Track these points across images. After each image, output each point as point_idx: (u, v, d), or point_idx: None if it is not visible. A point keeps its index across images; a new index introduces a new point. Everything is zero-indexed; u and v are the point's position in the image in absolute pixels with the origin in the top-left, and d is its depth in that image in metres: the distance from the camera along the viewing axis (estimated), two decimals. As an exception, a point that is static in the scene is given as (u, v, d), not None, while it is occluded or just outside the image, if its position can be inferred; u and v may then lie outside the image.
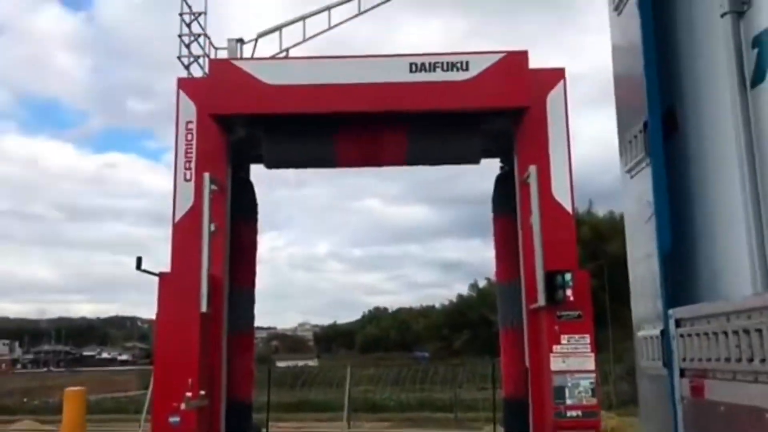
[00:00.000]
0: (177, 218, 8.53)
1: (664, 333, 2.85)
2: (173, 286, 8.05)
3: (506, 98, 8.33)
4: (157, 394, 7.90)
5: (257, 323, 9.78)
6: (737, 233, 2.25)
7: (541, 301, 7.79)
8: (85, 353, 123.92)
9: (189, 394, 7.47)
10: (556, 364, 7.83)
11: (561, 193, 8.43)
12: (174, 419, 7.60)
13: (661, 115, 2.44)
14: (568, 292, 7.79)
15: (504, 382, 8.96)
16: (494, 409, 17.97)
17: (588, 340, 7.90)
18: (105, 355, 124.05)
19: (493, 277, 9.83)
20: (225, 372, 8.49)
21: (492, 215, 9.47)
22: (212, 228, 8.10)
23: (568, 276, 7.81)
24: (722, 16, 2.43)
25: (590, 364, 7.86)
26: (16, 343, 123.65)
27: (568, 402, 7.73)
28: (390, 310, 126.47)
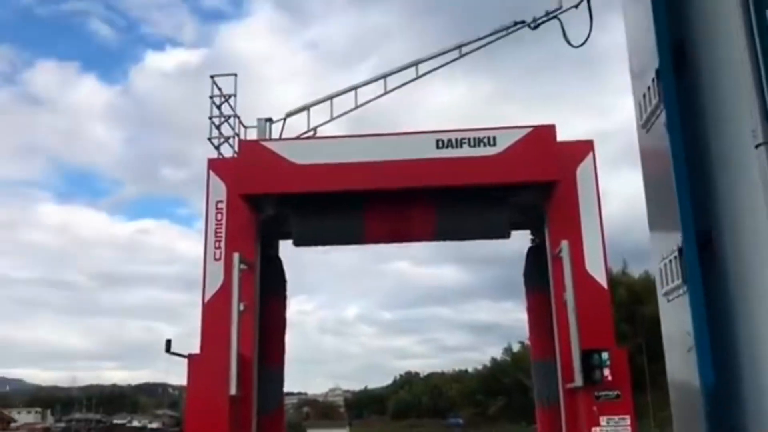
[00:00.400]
0: (207, 298, 8.52)
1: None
2: (203, 368, 7.98)
3: (535, 173, 8.28)
4: (186, 481, 7.73)
5: (287, 388, 9.61)
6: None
7: (578, 381, 7.54)
8: (116, 421, 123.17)
9: (217, 481, 7.29)
10: (596, 446, 7.51)
11: (595, 268, 8.26)
12: (202, 507, 7.41)
13: (696, 239, 2.35)
14: (606, 371, 7.54)
15: (542, 464, 8.60)
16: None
17: (628, 422, 7.59)
18: (135, 423, 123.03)
19: (527, 341, 9.58)
20: (254, 456, 8.30)
21: (524, 288, 9.30)
22: (241, 308, 8.07)
23: (605, 355, 7.57)
24: (757, 147, 2.36)
25: (632, 446, 7.53)
26: (48, 412, 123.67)
27: (611, 487, 7.37)
28: (422, 375, 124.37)
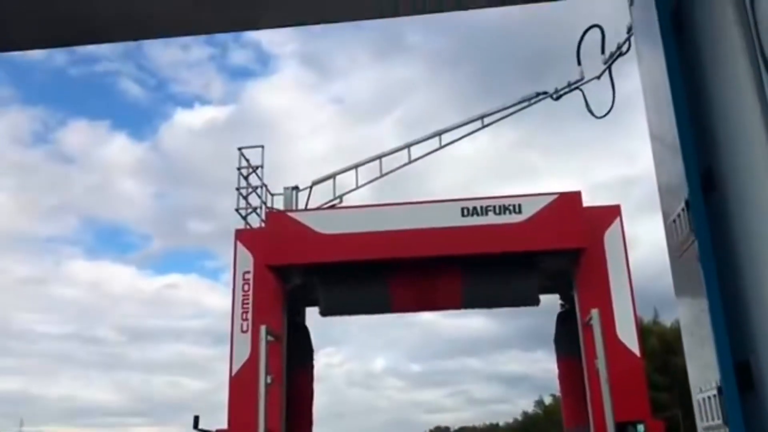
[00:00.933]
0: (234, 371, 8.50)
1: None
2: (230, 443, 7.91)
3: (562, 240, 8.22)
4: None
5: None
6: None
7: (614, 455, 7.32)
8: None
9: None
10: None
11: (626, 335, 8.11)
12: None
13: (734, 373, 2.29)
14: (642, 444, 7.33)
15: None
16: None
17: (668, 498, 7.33)
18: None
19: (558, 393, 9.39)
20: None
21: (555, 354, 9.15)
22: (269, 380, 8.01)
23: (641, 428, 7.37)
24: None
25: None
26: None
27: None
28: (452, 429, 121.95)
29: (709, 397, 2.54)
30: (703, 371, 2.67)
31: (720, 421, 2.44)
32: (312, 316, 9.76)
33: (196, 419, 7.87)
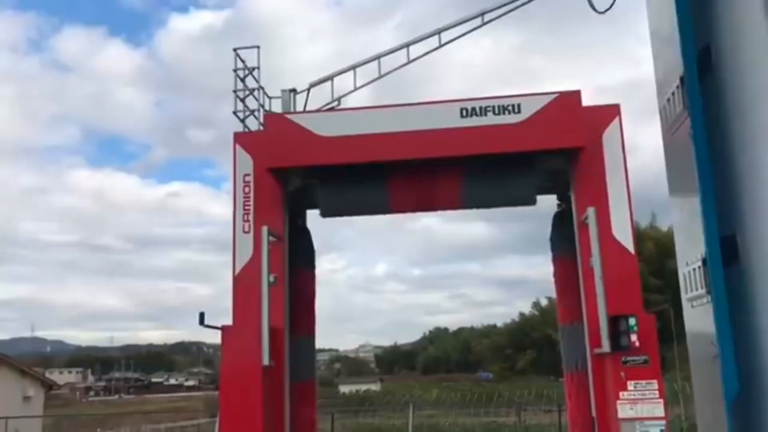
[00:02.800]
0: (237, 270, 8.69)
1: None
2: (235, 339, 8.19)
3: (560, 139, 8.22)
4: (223, 448, 8.01)
5: (319, 345, 9.79)
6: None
7: (606, 347, 7.60)
8: (153, 380, 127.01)
9: (253, 448, 7.55)
10: (623, 411, 7.60)
11: (621, 233, 8.23)
12: (240, 472, 7.69)
13: (720, 246, 2.34)
14: (634, 337, 7.59)
15: (570, 427, 8.73)
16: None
17: (656, 386, 7.65)
18: (172, 381, 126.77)
19: (554, 295, 9.66)
20: (288, 423, 8.55)
21: (551, 254, 9.31)
22: (271, 279, 8.21)
23: (632, 321, 7.60)
24: None
25: (660, 410, 7.61)
26: (89, 371, 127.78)
27: (638, 450, 7.49)
28: (451, 330, 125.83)
29: (694, 269, 2.64)
30: (690, 245, 2.77)
31: (703, 291, 2.55)
32: (314, 222, 9.88)
33: (202, 316, 8.11)
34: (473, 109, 8.37)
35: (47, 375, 32.27)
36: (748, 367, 2.41)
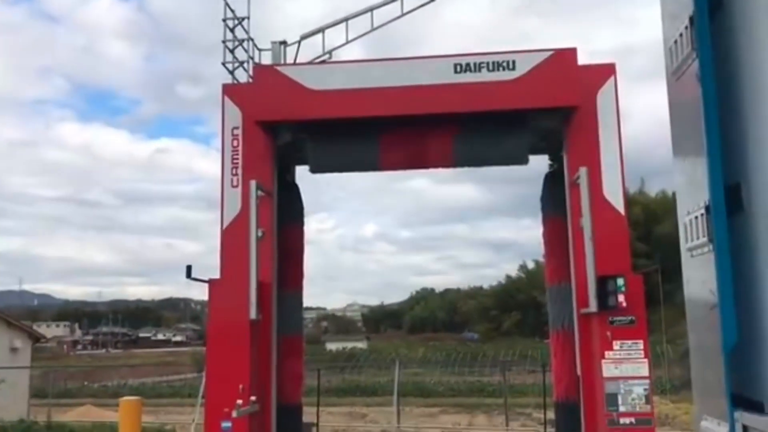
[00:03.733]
0: (225, 224, 8.61)
1: (731, 437, 2.69)
2: (223, 292, 8.15)
3: (554, 98, 8.11)
4: (210, 400, 8.04)
5: (307, 304, 9.81)
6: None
7: (593, 306, 7.63)
8: (141, 335, 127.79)
9: (240, 401, 7.57)
10: (608, 370, 7.67)
11: (612, 194, 8.20)
12: (226, 425, 7.73)
13: (724, 195, 2.27)
14: (621, 297, 7.61)
15: (555, 385, 8.82)
16: (544, 397, 17.75)
17: (641, 346, 7.72)
18: (160, 336, 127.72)
19: (541, 258, 9.67)
20: (275, 377, 8.58)
21: (541, 214, 9.27)
22: (259, 234, 8.14)
23: (620, 281, 7.62)
24: None
25: (644, 370, 7.69)
26: (76, 325, 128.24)
27: (621, 409, 7.58)
28: (438, 291, 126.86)
29: (696, 217, 2.59)
30: (692, 193, 2.71)
31: (705, 239, 2.50)
32: (305, 181, 9.77)
33: (189, 268, 8.07)
34: (467, 64, 8.22)
35: (35, 328, 32.29)
36: (747, 318, 2.39)
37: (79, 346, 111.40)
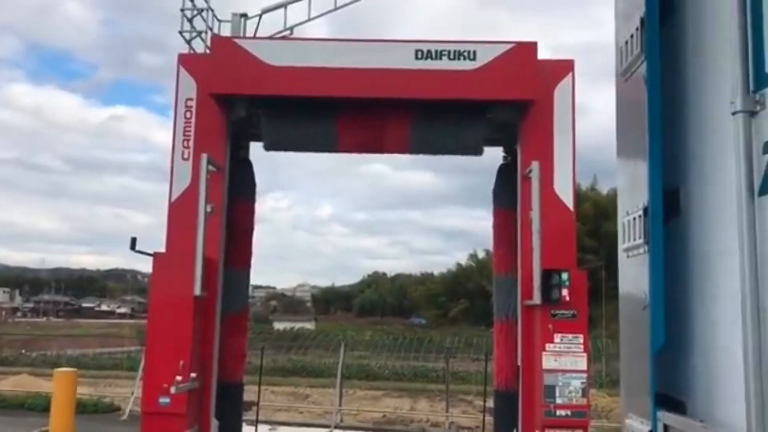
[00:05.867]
0: (173, 198, 8.43)
1: (652, 435, 2.77)
2: (168, 267, 8.00)
3: (512, 90, 8.16)
4: (148, 375, 7.91)
5: (257, 282, 9.68)
6: (733, 339, 2.13)
7: (537, 299, 7.74)
8: (84, 305, 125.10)
9: (179, 377, 7.47)
10: (548, 362, 7.81)
11: (563, 190, 8.31)
12: (164, 400, 7.62)
13: (663, 198, 2.31)
14: (564, 291, 7.75)
15: (496, 374, 8.95)
16: (485, 385, 18.00)
17: (581, 340, 7.87)
18: (104, 307, 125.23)
19: (491, 248, 9.77)
20: (217, 354, 8.48)
21: (492, 205, 9.35)
22: (208, 209, 8.01)
23: (565, 275, 7.75)
24: (733, 114, 2.25)
25: (582, 363, 7.84)
26: (17, 292, 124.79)
27: (558, 401, 7.73)
28: (389, 275, 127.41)
29: (634, 218, 2.64)
30: (632, 195, 2.76)
31: (641, 240, 2.55)
32: (261, 159, 9.64)
33: (134, 241, 7.89)
34: (428, 51, 8.20)
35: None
36: (675, 320, 2.44)
37: (19, 314, 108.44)
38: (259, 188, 9.56)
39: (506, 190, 8.93)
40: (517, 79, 8.13)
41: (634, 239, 2.40)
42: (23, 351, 41.44)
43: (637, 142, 2.41)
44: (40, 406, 16.62)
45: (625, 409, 3.03)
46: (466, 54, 8.17)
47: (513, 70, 8.15)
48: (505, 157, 9.45)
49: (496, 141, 9.28)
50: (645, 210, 2.31)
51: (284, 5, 9.27)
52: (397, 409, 22.18)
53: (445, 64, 8.19)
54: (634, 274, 2.70)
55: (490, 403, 9.60)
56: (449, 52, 8.19)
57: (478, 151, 8.88)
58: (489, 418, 10.00)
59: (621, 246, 2.54)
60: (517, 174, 8.67)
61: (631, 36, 2.40)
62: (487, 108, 8.48)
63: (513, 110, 8.47)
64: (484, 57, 8.16)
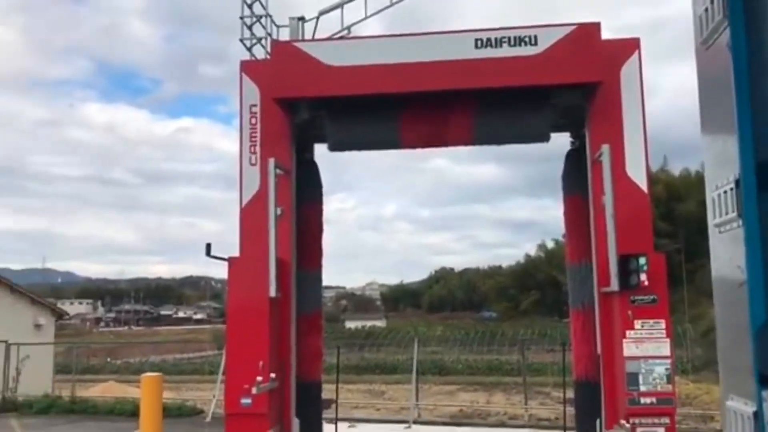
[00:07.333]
0: (244, 203, 8.61)
1: (758, 415, 2.62)
2: (242, 271, 8.17)
3: (577, 73, 7.96)
4: (230, 377, 8.09)
5: (326, 282, 9.77)
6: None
7: (614, 285, 7.55)
8: (162, 312, 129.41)
9: (260, 378, 7.61)
10: (629, 349, 7.60)
11: (635, 172, 8.07)
12: (246, 401, 7.78)
13: (755, 170, 2.18)
14: (643, 276, 7.53)
15: (574, 364, 8.76)
16: (564, 375, 17.65)
17: (663, 325, 7.63)
18: (181, 314, 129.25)
19: (561, 238, 9.56)
20: (294, 354, 8.61)
21: (562, 193, 9.16)
22: (278, 212, 8.13)
23: (642, 260, 7.53)
24: None
25: (666, 349, 7.61)
26: (99, 303, 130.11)
27: (642, 389, 7.52)
28: (456, 270, 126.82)
29: (725, 192, 2.50)
30: (721, 167, 2.61)
31: (734, 214, 2.42)
32: (324, 161, 9.71)
33: (209, 246, 8.07)
34: (488, 39, 8.09)
35: (59, 305, 32.78)
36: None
37: (102, 324, 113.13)
38: (323, 190, 9.65)
39: (576, 176, 8.73)
40: (581, 62, 7.93)
41: (726, 213, 2.28)
42: (109, 359, 43.17)
43: (724, 113, 2.29)
44: (128, 411, 17.30)
45: (725, 392, 2.90)
46: (527, 39, 8.03)
47: (576, 52, 7.95)
48: (572, 143, 9.24)
49: (562, 126, 9.08)
50: (737, 182, 2.19)
51: (341, 5, 9.31)
52: (473, 402, 22.06)
53: (506, 51, 8.06)
54: (727, 250, 2.56)
55: (570, 394, 9.40)
56: (509, 38, 8.06)
57: (544, 138, 8.71)
58: (569, 410, 9.79)
59: (711, 221, 2.42)
60: (586, 159, 8.46)
61: (712, 2, 2.29)
62: (552, 93, 8.30)
63: (579, 94, 8.26)
64: (546, 41, 7.99)
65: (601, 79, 7.98)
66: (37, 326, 25.91)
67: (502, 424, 17.15)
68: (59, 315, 29.47)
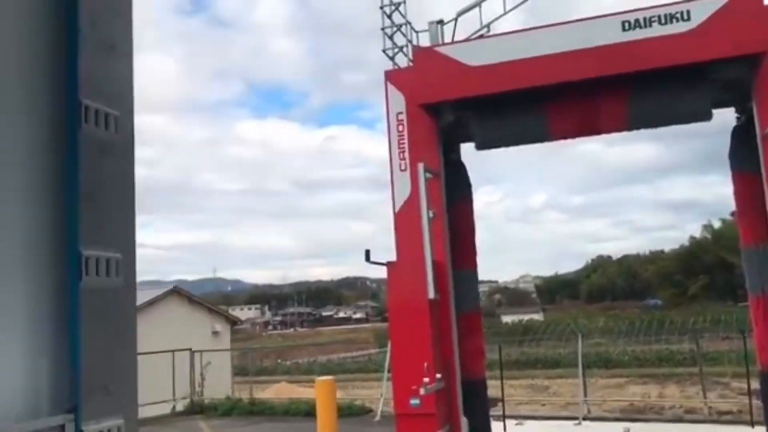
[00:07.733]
0: (397, 208, 8.83)
1: None
2: (400, 274, 8.39)
3: (737, 46, 7.42)
4: (396, 379, 8.34)
5: (479, 277, 9.75)
6: None
7: (800, 269, 6.95)
8: (324, 313, 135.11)
9: (426, 379, 7.77)
10: (822, 338, 6.98)
11: (814, 144, 7.38)
12: (415, 402, 7.98)
13: None
14: (832, 258, 6.88)
15: (758, 353, 8.16)
16: (747, 365, 16.41)
17: None
18: (341, 314, 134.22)
19: (728, 216, 8.95)
20: (457, 353, 8.71)
21: (731, 171, 8.56)
22: (431, 215, 8.26)
23: (831, 240, 6.88)
24: None
25: None
26: (266, 307, 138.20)
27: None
28: (614, 258, 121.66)
29: None
30: None
31: None
32: (468, 156, 9.76)
33: (368, 253, 8.37)
34: (636, 21, 7.75)
35: (230, 312, 35.25)
36: None
37: (270, 327, 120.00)
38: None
39: (745, 153, 8.13)
40: (741, 33, 7.38)
41: None
42: (279, 361, 45.69)
43: None
44: (302, 411, 18.21)
45: None
46: (678, 15, 7.60)
47: (735, 23, 7.41)
48: (738, 118, 8.62)
49: (725, 102, 8.50)
50: None
51: (478, 4, 9.27)
52: (644, 396, 21.06)
53: (656, 30, 7.68)
54: None
55: (754, 385, 8.76)
56: (659, 17, 7.68)
57: (706, 117, 8.20)
58: (755, 402, 9.13)
59: None
60: (755, 133, 7.86)
61: None
62: (711, 69, 7.80)
63: (741, 66, 7.69)
64: (700, 15, 7.53)
65: (765, 49, 7.37)
66: (215, 333, 27.94)
67: (680, 419, 16.21)
68: (233, 322, 31.62)
